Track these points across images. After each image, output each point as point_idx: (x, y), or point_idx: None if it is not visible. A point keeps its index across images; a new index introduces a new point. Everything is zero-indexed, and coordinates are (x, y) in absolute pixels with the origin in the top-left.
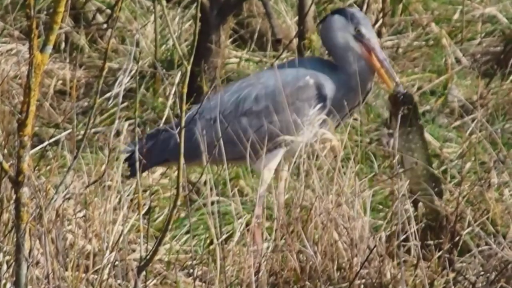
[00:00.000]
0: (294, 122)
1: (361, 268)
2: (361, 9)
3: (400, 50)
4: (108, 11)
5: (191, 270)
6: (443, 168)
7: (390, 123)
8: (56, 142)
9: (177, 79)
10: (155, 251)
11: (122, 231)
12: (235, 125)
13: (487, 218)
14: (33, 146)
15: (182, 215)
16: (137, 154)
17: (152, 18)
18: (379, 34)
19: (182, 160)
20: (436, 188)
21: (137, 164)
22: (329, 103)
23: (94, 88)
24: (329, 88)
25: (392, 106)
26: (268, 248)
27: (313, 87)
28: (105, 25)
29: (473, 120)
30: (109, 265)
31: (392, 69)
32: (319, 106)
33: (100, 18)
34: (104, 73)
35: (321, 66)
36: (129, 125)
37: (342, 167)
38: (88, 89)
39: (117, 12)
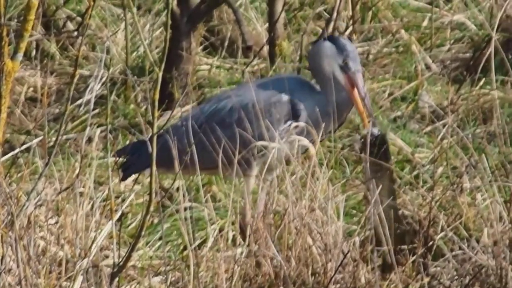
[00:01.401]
0: (267, 128)
1: (335, 273)
2: (330, 16)
3: (371, 57)
4: (79, 18)
5: (165, 276)
6: (415, 173)
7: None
8: (28, 149)
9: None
10: (128, 257)
11: (95, 237)
12: (209, 135)
13: (460, 223)
14: (4, 153)
15: (155, 221)
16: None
17: (122, 25)
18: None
19: (154, 167)
20: (399, 230)
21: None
22: (303, 121)
23: (65, 95)
24: (306, 107)
25: (363, 146)
26: (241, 253)
27: (287, 104)
28: (75, 33)
29: (444, 125)
30: (81, 272)
31: (371, 107)
32: (291, 123)
33: (70, 26)
34: (75, 80)
35: (301, 85)
36: (101, 131)
37: (315, 172)
38: (59, 96)
39: (87, 19)
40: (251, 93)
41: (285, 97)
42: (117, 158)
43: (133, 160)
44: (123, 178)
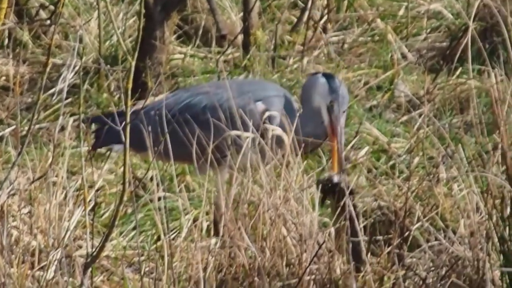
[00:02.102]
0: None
1: (310, 264)
2: (305, 5)
3: (346, 46)
4: (52, 7)
5: (138, 266)
6: (391, 163)
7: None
8: (0, 138)
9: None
10: (101, 247)
11: (68, 227)
12: (182, 126)
13: (437, 213)
14: None
15: (129, 211)
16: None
17: (95, 14)
18: (324, 30)
19: (128, 156)
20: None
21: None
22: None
23: (38, 84)
24: (281, 120)
25: (319, 191)
26: (216, 244)
27: (260, 114)
28: (48, 21)
29: (420, 115)
30: (55, 262)
31: (342, 157)
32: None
33: (43, 14)
34: (47, 69)
35: (286, 98)
36: (74, 120)
37: (290, 162)
38: (32, 85)
39: (60, 8)
40: (228, 93)
41: (261, 107)
42: (88, 123)
43: (103, 132)
44: (93, 148)
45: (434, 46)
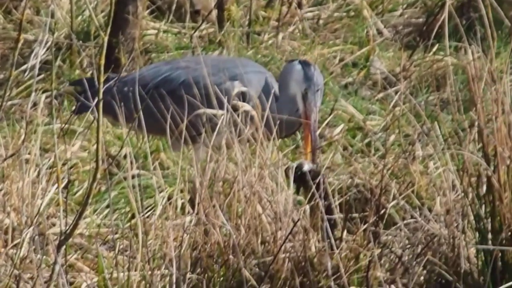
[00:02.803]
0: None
1: (284, 241)
2: None
3: (321, 22)
4: None
5: (113, 244)
6: (366, 140)
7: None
8: None
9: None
10: (75, 225)
11: (41, 205)
12: (157, 102)
13: (412, 191)
14: None
15: (103, 188)
16: None
17: None
18: (299, 5)
19: (101, 133)
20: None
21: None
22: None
23: (9, 60)
24: (257, 101)
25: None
26: (190, 222)
27: (234, 92)
28: None
29: (396, 92)
30: (28, 240)
31: (316, 146)
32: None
33: None
34: (19, 45)
35: (266, 81)
36: (46, 97)
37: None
38: (4, 61)
39: None
40: (204, 70)
41: (237, 87)
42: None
43: (85, 98)
44: (76, 112)
45: (411, 22)
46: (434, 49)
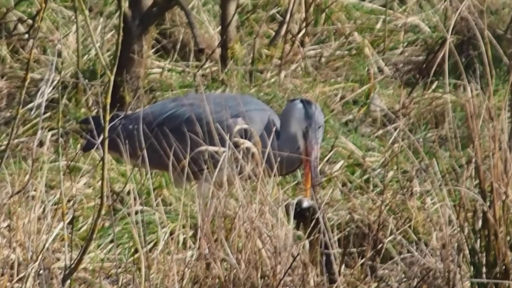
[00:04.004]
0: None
1: (284, 276)
2: (284, 18)
3: (323, 60)
4: (30, 21)
5: (116, 278)
6: (365, 177)
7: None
8: None
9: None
10: (79, 260)
11: (47, 240)
12: (160, 140)
13: (409, 226)
14: None
15: (107, 224)
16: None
17: (74, 28)
18: (302, 44)
19: (106, 170)
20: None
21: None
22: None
23: (16, 98)
24: (257, 139)
25: (293, 217)
26: (192, 256)
27: (236, 129)
28: (26, 35)
29: (395, 129)
30: (33, 274)
31: (316, 182)
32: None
33: (21, 28)
34: (26, 83)
35: (268, 118)
36: (52, 135)
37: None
38: (10, 99)
39: (38, 22)
40: (210, 107)
41: (239, 124)
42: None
43: (92, 136)
44: (84, 149)
45: (411, 59)
46: (434, 86)
